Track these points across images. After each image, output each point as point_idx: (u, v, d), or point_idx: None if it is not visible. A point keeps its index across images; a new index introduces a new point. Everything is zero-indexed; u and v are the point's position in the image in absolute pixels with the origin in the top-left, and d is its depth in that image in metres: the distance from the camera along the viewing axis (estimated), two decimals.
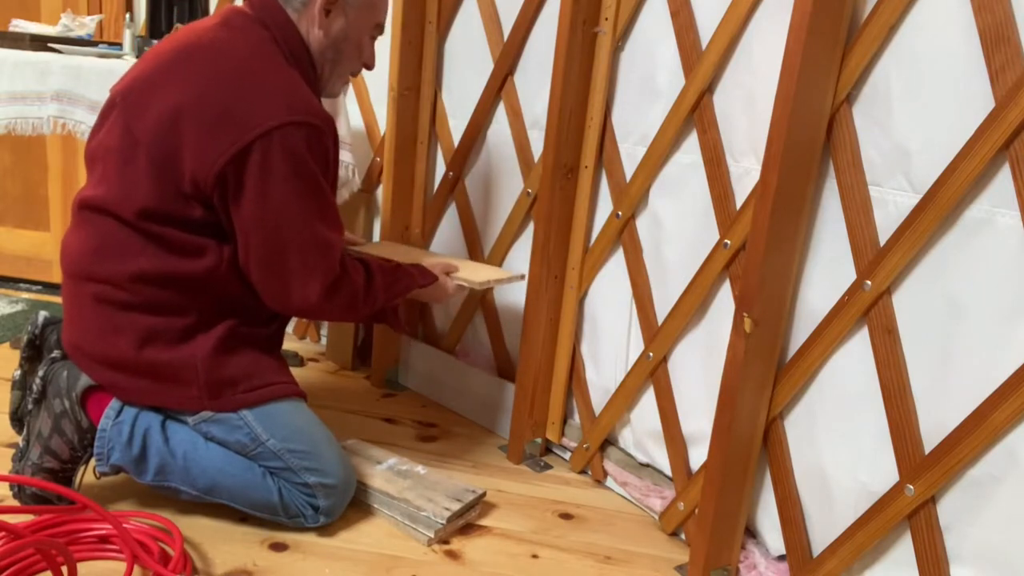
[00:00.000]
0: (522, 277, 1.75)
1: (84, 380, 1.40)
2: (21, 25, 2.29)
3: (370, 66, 1.57)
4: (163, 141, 1.32)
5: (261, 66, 1.37)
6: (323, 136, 1.36)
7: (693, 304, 1.50)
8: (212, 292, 1.40)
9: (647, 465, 1.69)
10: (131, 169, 1.34)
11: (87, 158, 1.46)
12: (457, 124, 2.00)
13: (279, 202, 1.33)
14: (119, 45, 2.24)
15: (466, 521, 1.55)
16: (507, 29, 1.85)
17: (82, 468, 1.44)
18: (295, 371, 2.03)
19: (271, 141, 1.29)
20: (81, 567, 1.26)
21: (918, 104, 1.15)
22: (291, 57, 1.42)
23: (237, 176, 1.31)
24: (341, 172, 1.99)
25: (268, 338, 1.52)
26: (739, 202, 1.40)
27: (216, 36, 1.40)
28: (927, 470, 1.13)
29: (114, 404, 1.40)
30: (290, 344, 2.31)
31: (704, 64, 1.43)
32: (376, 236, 2.21)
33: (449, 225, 2.09)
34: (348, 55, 1.50)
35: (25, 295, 2.57)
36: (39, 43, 2.09)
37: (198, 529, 1.43)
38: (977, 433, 1.07)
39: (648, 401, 1.63)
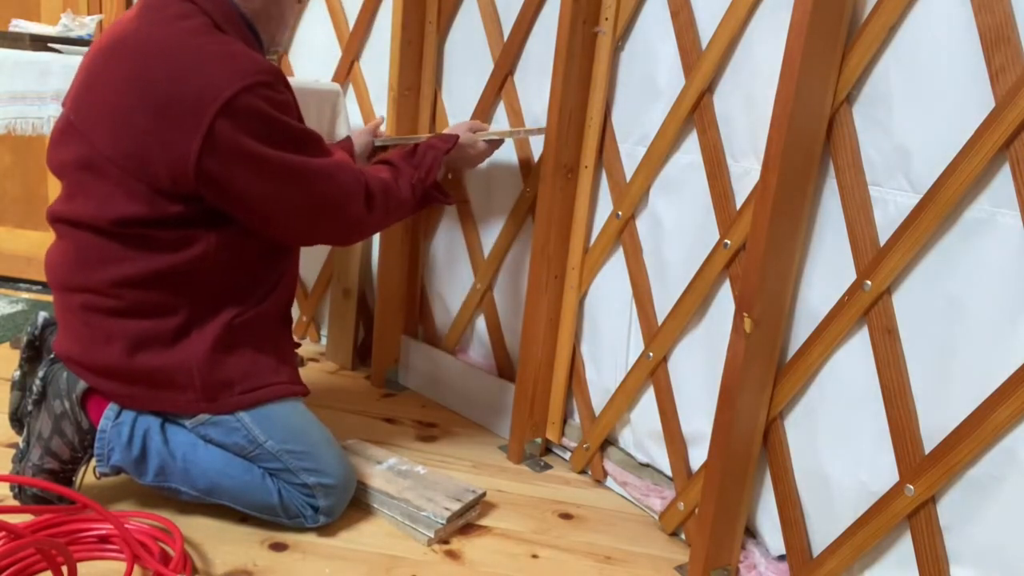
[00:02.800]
0: (541, 131, 1.72)
1: (84, 381, 1.40)
2: (21, 25, 2.28)
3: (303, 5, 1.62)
4: (125, 147, 1.29)
5: (191, 41, 1.32)
6: (277, 88, 1.34)
7: (693, 304, 1.50)
8: (201, 283, 1.38)
9: (647, 465, 1.69)
10: (102, 183, 1.32)
11: (53, 171, 1.43)
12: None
13: (275, 165, 1.33)
14: None
15: (466, 521, 1.55)
16: (507, 29, 1.85)
17: (83, 469, 1.44)
18: None
19: (233, 113, 1.26)
20: (81, 567, 1.26)
21: (918, 104, 1.15)
22: (224, 24, 1.37)
23: (221, 164, 1.28)
24: None
25: (269, 320, 1.49)
26: (739, 202, 1.40)
27: (138, 26, 1.35)
28: (927, 470, 1.13)
29: (114, 405, 1.40)
30: None
31: (704, 64, 1.43)
32: (376, 236, 2.21)
33: (449, 225, 2.08)
34: (280, 17, 1.50)
35: (25, 295, 2.57)
36: (39, 43, 2.09)
37: (198, 529, 1.43)
38: (977, 433, 1.07)
39: (648, 401, 1.63)
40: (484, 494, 1.60)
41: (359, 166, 1.51)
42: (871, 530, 1.21)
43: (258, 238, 1.42)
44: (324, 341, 2.38)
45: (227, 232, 1.37)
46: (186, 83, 1.27)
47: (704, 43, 1.44)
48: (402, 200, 1.56)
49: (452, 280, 2.09)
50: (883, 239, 1.19)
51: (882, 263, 1.18)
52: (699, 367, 1.52)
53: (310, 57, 2.31)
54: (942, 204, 1.10)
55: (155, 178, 1.29)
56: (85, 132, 1.34)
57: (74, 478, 1.43)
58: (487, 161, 1.95)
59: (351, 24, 2.19)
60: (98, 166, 1.32)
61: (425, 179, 1.60)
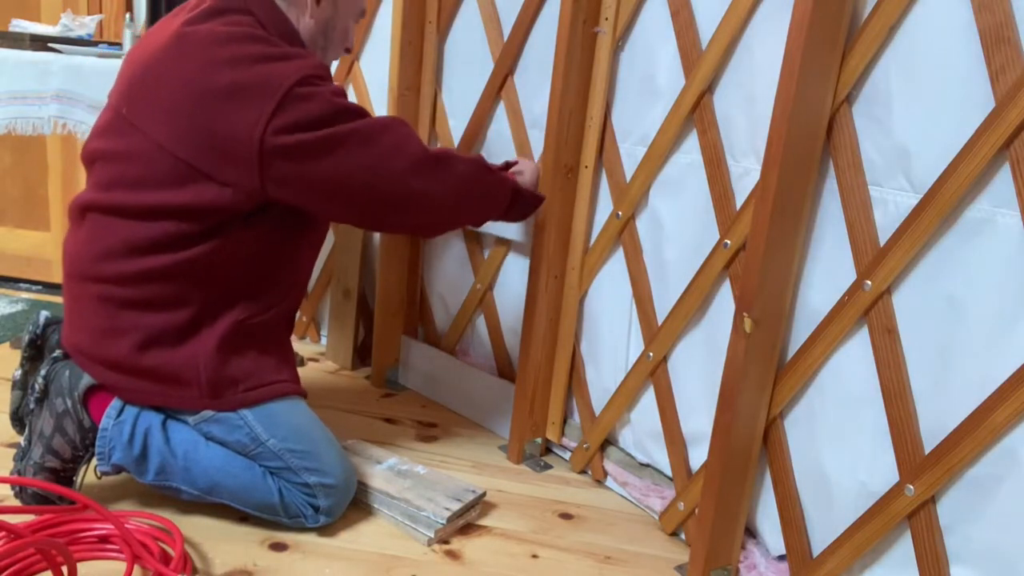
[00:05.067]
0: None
1: (86, 379, 1.40)
2: (21, 25, 2.29)
3: (350, 50, 1.63)
4: (184, 133, 1.32)
5: (253, 41, 1.37)
6: (330, 81, 1.40)
7: (693, 304, 1.50)
8: (219, 279, 1.40)
9: (647, 465, 1.69)
10: (149, 170, 1.34)
11: (86, 160, 1.46)
12: (457, 124, 2.00)
13: (340, 135, 1.35)
14: (119, 45, 2.24)
15: (466, 521, 1.55)
16: (507, 29, 1.85)
17: (84, 467, 1.44)
18: None
19: (297, 96, 1.31)
20: (81, 567, 1.26)
21: (918, 104, 1.15)
22: (278, 36, 1.42)
23: (287, 139, 1.31)
24: None
25: (274, 326, 1.50)
26: (739, 202, 1.40)
27: (203, 23, 1.39)
28: (927, 470, 1.13)
29: (115, 404, 1.40)
30: None
31: (704, 64, 1.43)
32: (376, 236, 2.21)
33: None
34: (335, 41, 1.56)
35: (25, 295, 2.57)
36: (39, 43, 2.09)
37: (198, 529, 1.43)
38: (977, 433, 1.07)
39: (648, 401, 1.63)
40: (484, 494, 1.60)
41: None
42: (871, 530, 1.21)
43: (284, 236, 1.45)
44: (324, 341, 2.39)
45: (257, 228, 1.40)
46: (251, 70, 1.31)
47: (704, 43, 1.44)
48: (487, 185, 1.56)
49: (452, 280, 2.09)
50: (883, 239, 1.19)
51: (882, 263, 1.18)
52: (699, 367, 1.52)
53: None
54: (942, 204, 1.10)
55: (215, 163, 1.32)
56: (138, 123, 1.36)
57: (75, 477, 1.43)
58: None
59: None
60: (149, 155, 1.34)
61: (492, 177, 1.59)
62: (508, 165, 1.73)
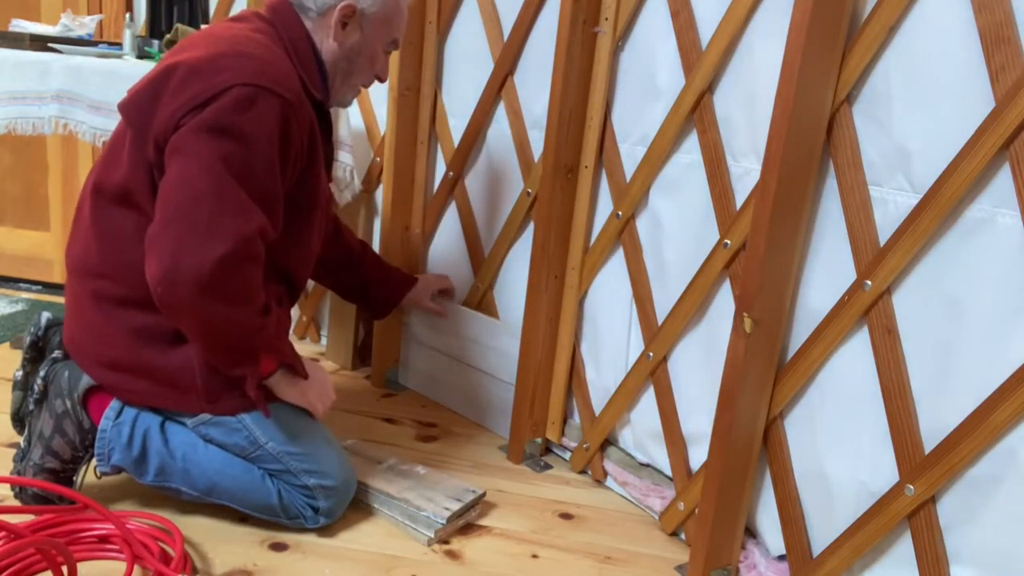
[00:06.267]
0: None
1: (85, 380, 1.40)
2: (21, 25, 2.28)
3: (382, 79, 1.57)
4: (142, 109, 1.31)
5: (249, 44, 1.35)
6: (287, 109, 1.30)
7: (693, 304, 1.50)
8: None
9: (647, 465, 1.69)
10: (123, 152, 1.35)
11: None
12: (457, 124, 2.00)
13: (209, 153, 1.24)
14: (119, 45, 2.23)
15: (466, 521, 1.55)
16: (507, 29, 1.85)
17: (83, 468, 1.44)
18: None
19: (227, 95, 1.25)
20: (81, 567, 1.26)
21: (918, 104, 1.15)
22: (295, 58, 1.41)
23: (184, 128, 1.25)
24: (340, 174, 1.99)
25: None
26: (739, 202, 1.40)
27: (220, 24, 1.41)
28: (927, 470, 1.13)
29: (114, 405, 1.40)
30: None
31: (704, 64, 1.43)
32: (376, 236, 2.21)
33: (449, 225, 2.08)
34: (361, 67, 1.51)
35: (25, 295, 2.57)
36: (39, 43, 2.09)
37: (198, 529, 1.43)
38: (977, 433, 1.07)
39: (648, 401, 1.63)
40: (484, 494, 1.60)
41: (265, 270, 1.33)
42: (871, 530, 1.21)
43: (276, 239, 1.41)
44: (324, 341, 2.38)
45: None
46: (213, 66, 1.28)
47: (704, 43, 1.44)
48: (241, 320, 1.28)
49: (452, 280, 2.08)
50: (883, 239, 1.19)
51: (882, 263, 1.18)
52: (699, 367, 1.52)
53: None
54: (942, 204, 1.10)
55: (146, 142, 1.30)
56: (122, 105, 1.35)
57: (75, 478, 1.43)
58: (487, 161, 1.95)
59: None
60: (122, 136, 1.36)
61: (264, 346, 1.35)
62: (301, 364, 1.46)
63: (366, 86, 1.58)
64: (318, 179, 1.46)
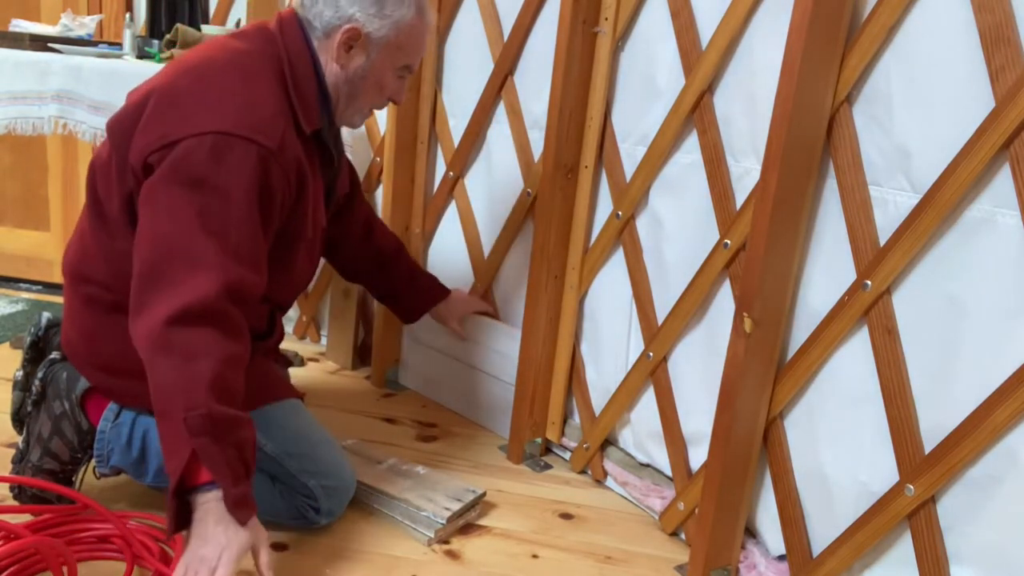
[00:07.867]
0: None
1: (83, 382, 1.39)
2: (21, 25, 2.28)
3: (396, 102, 1.50)
4: (125, 132, 1.29)
5: (235, 74, 1.30)
6: (266, 158, 1.24)
7: (693, 304, 1.50)
8: None
9: (647, 465, 1.69)
10: (107, 166, 1.33)
11: None
12: (457, 124, 2.00)
13: (182, 207, 1.20)
14: (119, 45, 2.23)
15: (466, 521, 1.55)
16: (507, 29, 1.85)
17: (82, 469, 1.44)
18: (295, 371, 2.04)
19: (200, 143, 1.20)
20: (81, 567, 1.26)
21: (918, 104, 1.15)
22: (291, 79, 1.34)
23: (156, 175, 1.22)
24: None
25: (264, 333, 1.48)
26: (739, 202, 1.40)
27: (220, 39, 1.39)
28: (927, 470, 1.13)
29: (112, 406, 1.40)
30: (290, 344, 2.31)
31: (704, 64, 1.43)
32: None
33: (449, 225, 2.08)
34: (366, 92, 1.43)
35: (25, 295, 2.57)
36: (39, 43, 2.09)
37: None
38: (977, 433, 1.07)
39: (648, 401, 1.63)
40: (484, 494, 1.60)
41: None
42: (871, 530, 1.21)
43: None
44: (324, 341, 2.38)
45: None
46: (192, 102, 1.25)
47: (704, 43, 1.44)
48: (190, 386, 1.15)
49: (452, 280, 2.08)
50: (883, 239, 1.19)
51: (882, 263, 1.18)
52: (699, 367, 1.52)
53: None
54: (942, 204, 1.10)
55: (127, 171, 1.28)
56: (109, 125, 1.33)
57: (74, 478, 1.43)
58: (487, 161, 1.95)
59: None
60: (108, 151, 1.34)
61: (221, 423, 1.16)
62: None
63: (378, 108, 1.51)
64: (305, 215, 1.39)
